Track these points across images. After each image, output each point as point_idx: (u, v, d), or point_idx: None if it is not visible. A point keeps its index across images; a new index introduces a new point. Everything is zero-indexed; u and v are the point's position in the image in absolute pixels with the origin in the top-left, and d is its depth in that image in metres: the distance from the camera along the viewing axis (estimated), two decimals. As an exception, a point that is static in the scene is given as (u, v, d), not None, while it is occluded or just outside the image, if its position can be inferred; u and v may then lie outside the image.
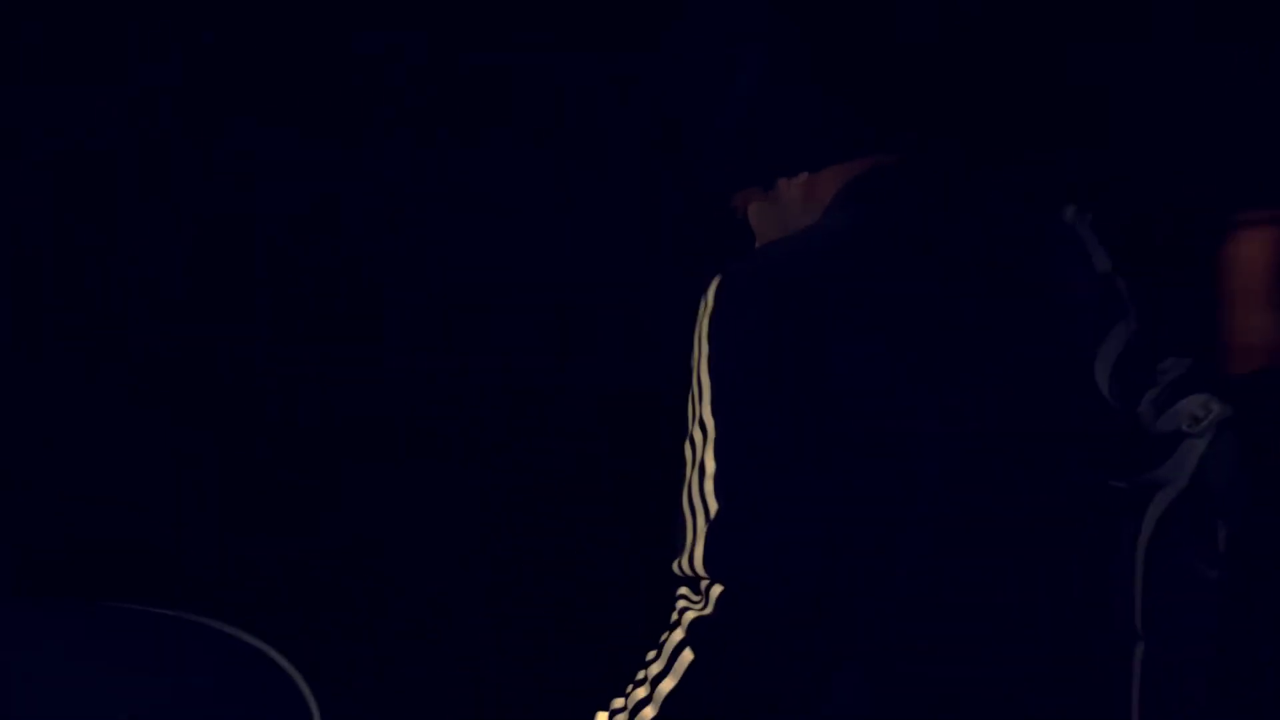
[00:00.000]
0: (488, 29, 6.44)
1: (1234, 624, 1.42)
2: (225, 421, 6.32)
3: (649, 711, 1.46)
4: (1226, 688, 1.42)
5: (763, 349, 1.40)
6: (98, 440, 5.83)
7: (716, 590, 1.39)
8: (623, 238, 6.62)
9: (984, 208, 1.55)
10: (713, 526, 1.39)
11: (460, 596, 5.12)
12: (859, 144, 1.56)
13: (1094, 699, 1.43)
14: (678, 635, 1.43)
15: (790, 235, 1.49)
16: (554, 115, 6.52)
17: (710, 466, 1.40)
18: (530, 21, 6.36)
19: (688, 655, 1.41)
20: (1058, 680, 1.44)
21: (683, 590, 1.44)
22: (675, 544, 1.44)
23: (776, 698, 1.38)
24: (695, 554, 1.40)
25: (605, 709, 1.54)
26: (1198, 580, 1.44)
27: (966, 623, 1.41)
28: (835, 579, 1.39)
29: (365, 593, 5.08)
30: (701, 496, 1.41)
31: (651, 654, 1.48)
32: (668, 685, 1.42)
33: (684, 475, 1.44)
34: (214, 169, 6.20)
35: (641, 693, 1.44)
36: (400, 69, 6.41)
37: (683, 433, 1.63)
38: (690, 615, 1.42)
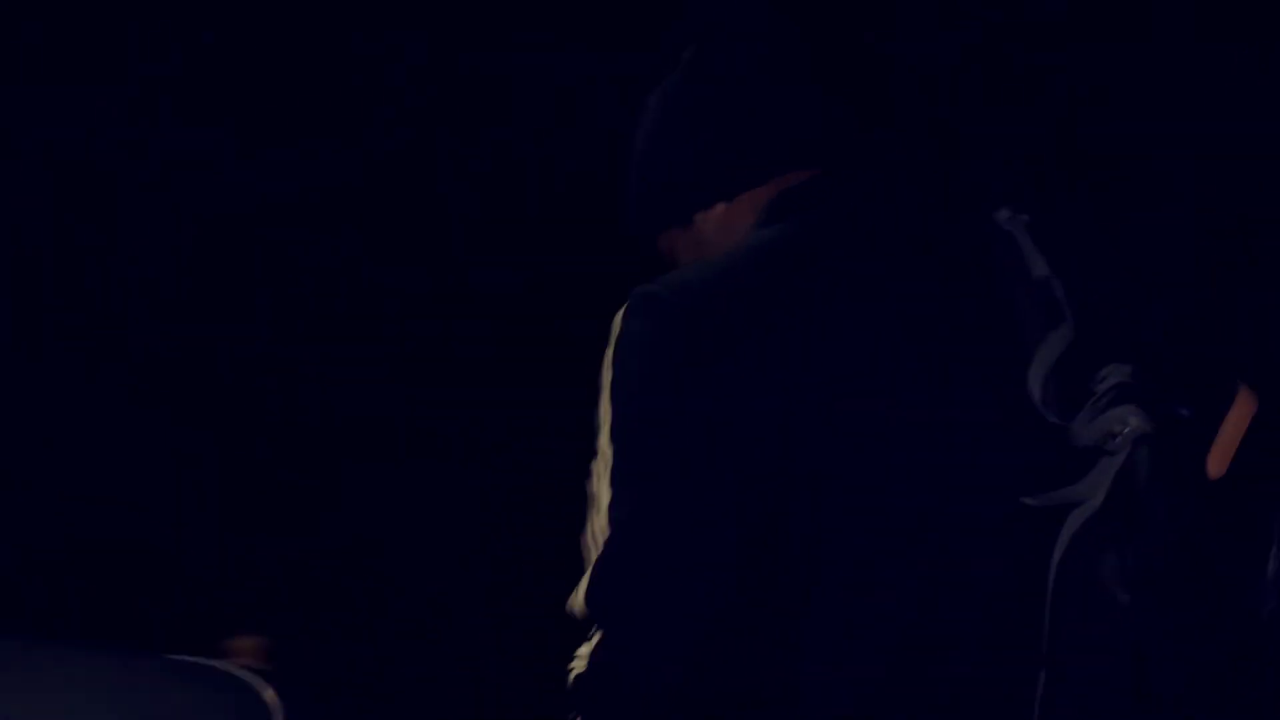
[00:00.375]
0: (488, 29, 6.44)
1: (1147, 649, 1.36)
2: (225, 421, 6.33)
3: None
4: (1139, 713, 1.37)
5: (660, 376, 1.37)
6: (97, 440, 5.83)
7: (595, 638, 1.34)
8: (622, 238, 6.61)
9: (907, 215, 1.49)
10: (600, 559, 1.35)
11: (460, 596, 5.12)
12: (772, 166, 1.54)
13: None
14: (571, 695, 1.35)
15: (690, 266, 1.51)
16: (554, 115, 6.52)
17: (604, 496, 1.37)
18: (530, 22, 6.36)
19: None
20: (965, 704, 1.38)
21: (580, 649, 1.37)
22: (576, 580, 1.38)
23: None
24: (579, 589, 1.35)
25: None
26: (1110, 603, 1.37)
27: (879, 658, 1.33)
28: (731, 624, 1.31)
29: (365, 593, 5.08)
30: (592, 532, 1.37)
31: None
32: None
33: (587, 504, 1.39)
34: (214, 169, 6.20)
35: None
36: (400, 69, 6.41)
37: None
38: (574, 674, 1.34)
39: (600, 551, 1.34)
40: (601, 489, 1.36)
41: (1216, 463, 1.38)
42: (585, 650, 1.33)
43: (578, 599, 1.33)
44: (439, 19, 6.46)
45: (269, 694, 2.23)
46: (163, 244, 6.13)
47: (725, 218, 1.55)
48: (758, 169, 1.53)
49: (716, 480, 1.29)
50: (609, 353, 1.40)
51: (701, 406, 1.31)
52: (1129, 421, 1.38)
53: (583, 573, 1.36)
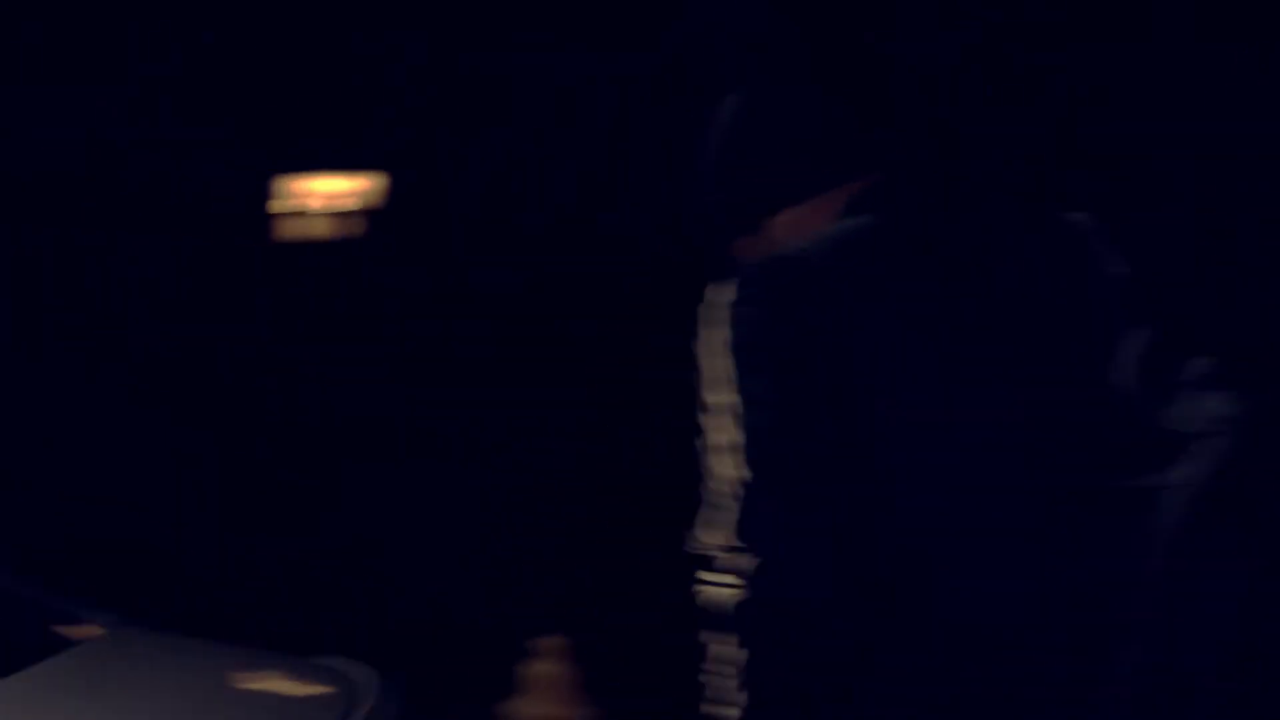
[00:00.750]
0: (487, 29, 6.44)
1: (1256, 622, 1.42)
2: (225, 422, 6.33)
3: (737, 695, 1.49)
4: (1248, 685, 1.41)
5: (783, 328, 1.47)
6: (97, 440, 5.83)
7: (746, 564, 1.44)
8: (621, 237, 6.62)
9: (984, 211, 1.58)
10: (747, 495, 1.45)
11: (460, 596, 5.12)
12: (842, 170, 1.64)
13: (1104, 695, 1.43)
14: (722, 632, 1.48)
15: (783, 248, 1.58)
16: (554, 115, 6.52)
17: (728, 439, 1.46)
18: (530, 22, 6.36)
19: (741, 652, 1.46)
20: (1070, 677, 1.44)
21: (707, 575, 1.51)
22: (699, 519, 1.51)
23: (821, 672, 1.43)
24: (713, 526, 1.47)
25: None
26: (1219, 578, 1.44)
27: (986, 614, 1.43)
28: (862, 562, 1.43)
29: (365, 593, 5.08)
30: (718, 474, 1.47)
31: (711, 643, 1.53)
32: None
33: (702, 456, 1.50)
34: (214, 169, 6.21)
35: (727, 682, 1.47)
36: (400, 69, 6.42)
37: (688, 423, 1.68)
38: (721, 596, 1.47)
39: (742, 488, 1.44)
40: (725, 434, 1.46)
41: None
42: (725, 579, 1.46)
43: (718, 535, 1.45)
44: (439, 19, 6.46)
45: (374, 684, 2.31)
46: (163, 244, 6.13)
47: (793, 222, 1.64)
48: (825, 177, 1.64)
49: (846, 437, 1.43)
50: (722, 311, 1.50)
51: (824, 361, 1.44)
52: (1231, 406, 1.46)
53: (704, 511, 1.49)
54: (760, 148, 1.66)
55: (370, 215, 6.55)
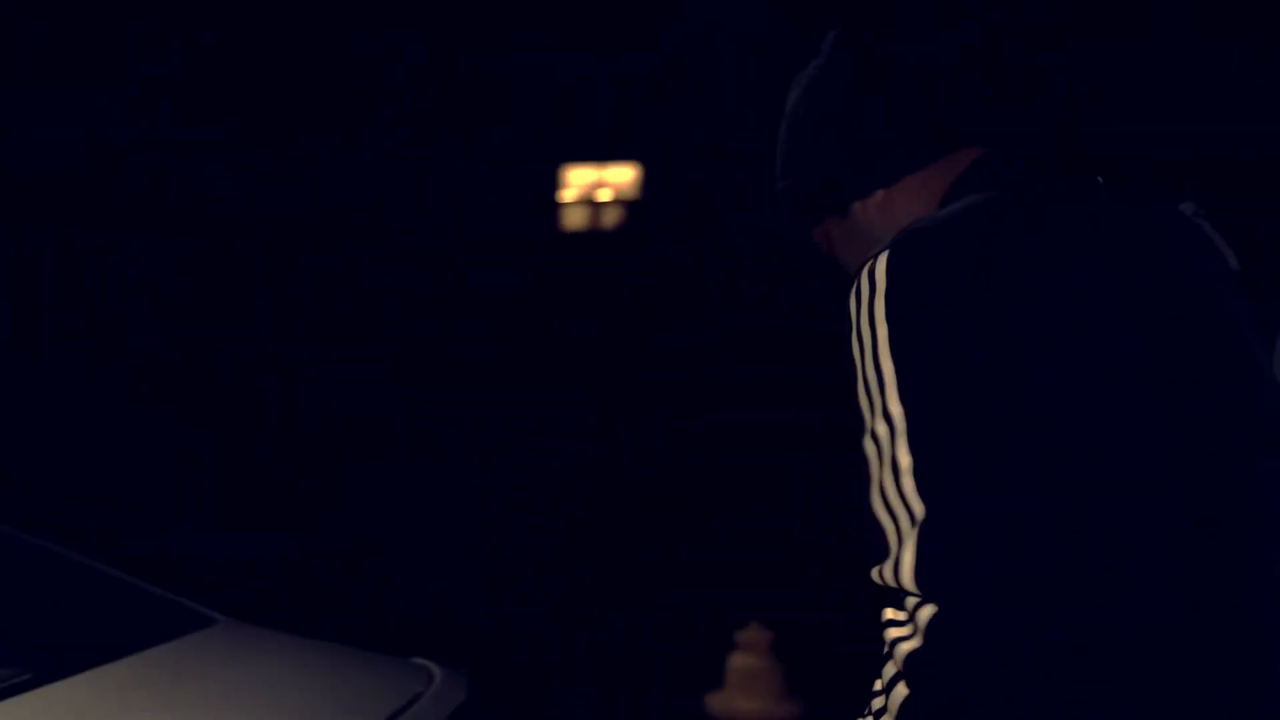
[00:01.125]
0: (488, 29, 6.43)
1: None
2: (225, 422, 6.33)
3: None
4: None
5: (949, 326, 1.27)
6: (98, 440, 5.83)
7: (927, 613, 1.23)
8: (619, 237, 6.61)
9: (1101, 196, 1.43)
10: (923, 532, 1.23)
11: (460, 596, 5.12)
12: (935, 148, 1.47)
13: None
14: (891, 669, 1.26)
15: (928, 216, 1.37)
16: (554, 115, 6.52)
17: (905, 461, 1.25)
18: (530, 22, 6.36)
19: (902, 690, 1.25)
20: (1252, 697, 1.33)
21: (889, 613, 1.28)
22: (872, 551, 1.28)
23: None
24: (903, 564, 1.24)
25: None
26: None
27: (1172, 636, 1.26)
28: (1065, 591, 1.24)
29: (365, 593, 5.08)
30: (901, 497, 1.25)
31: (876, 685, 1.34)
32: None
33: (871, 475, 1.28)
34: (215, 169, 6.21)
35: None
36: (400, 69, 6.42)
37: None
38: (904, 648, 1.24)
39: (921, 524, 1.24)
40: (900, 452, 1.26)
41: None
42: (903, 624, 1.26)
43: (902, 574, 1.24)
44: (439, 19, 6.46)
45: (462, 684, 2.36)
46: (163, 244, 6.13)
47: (885, 202, 1.48)
48: (921, 152, 1.47)
49: (1028, 442, 1.25)
50: (875, 308, 1.30)
51: (995, 357, 1.26)
52: None
53: (872, 539, 1.29)
54: (843, 127, 1.50)
55: (371, 216, 6.55)
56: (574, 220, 6.60)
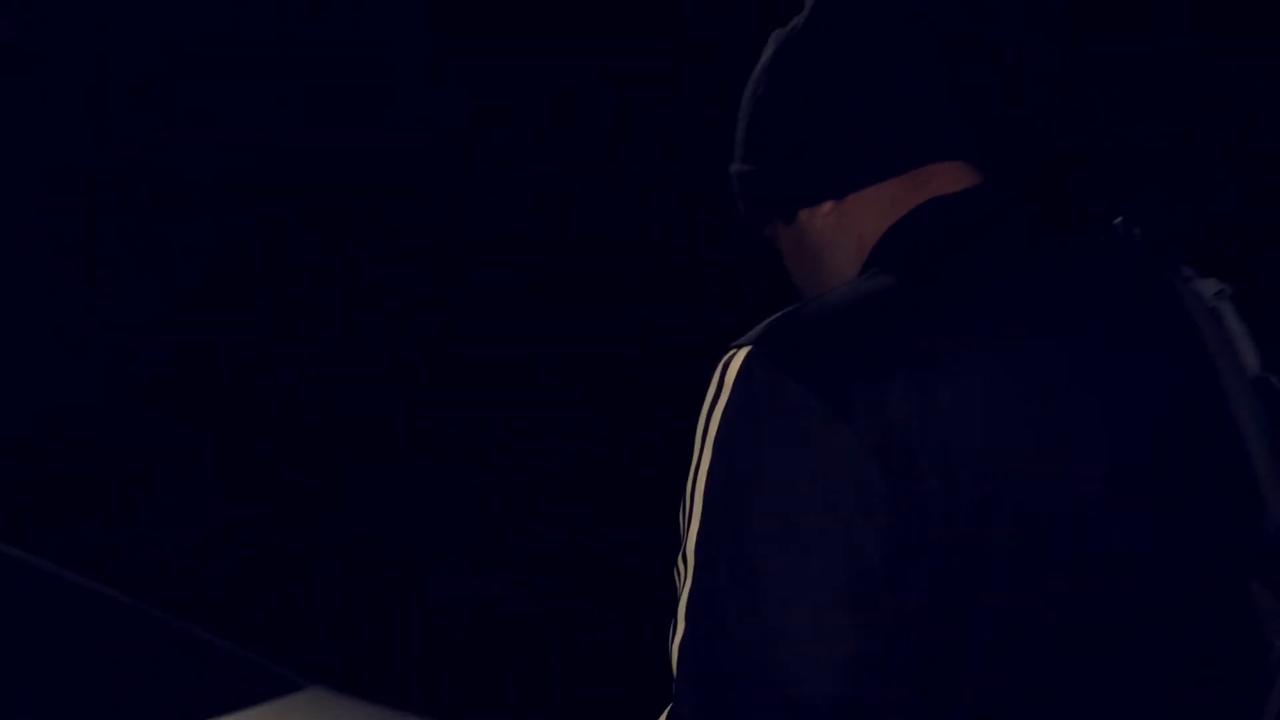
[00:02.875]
0: (488, 28, 6.43)
1: None
2: (225, 421, 6.33)
3: None
4: None
5: (798, 485, 1.01)
6: (99, 439, 5.83)
7: None
8: (621, 237, 6.61)
9: (1062, 251, 1.17)
10: (670, 717, 1.03)
11: (461, 596, 5.12)
12: (892, 158, 1.19)
13: None
14: None
15: (839, 297, 1.10)
16: (554, 115, 6.52)
17: (680, 627, 1.02)
18: (531, 22, 6.36)
19: None
20: None
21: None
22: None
23: None
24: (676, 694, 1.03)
25: None
26: None
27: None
28: None
29: (365, 592, 5.08)
30: (670, 661, 1.04)
31: None
32: None
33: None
34: (215, 169, 6.21)
35: None
36: (400, 71, 6.42)
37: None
38: None
39: (672, 702, 1.02)
40: (679, 612, 1.03)
41: None
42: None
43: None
44: (440, 19, 6.46)
45: None
46: (163, 242, 6.13)
47: (835, 216, 1.20)
48: (876, 165, 1.18)
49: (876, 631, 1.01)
50: (710, 420, 1.04)
51: (864, 533, 0.99)
52: None
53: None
54: (767, 115, 1.23)
55: (371, 216, 6.55)
56: (577, 219, 6.61)
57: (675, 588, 1.05)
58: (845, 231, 1.19)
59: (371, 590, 5.03)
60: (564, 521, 5.63)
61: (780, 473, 1.00)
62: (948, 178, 1.17)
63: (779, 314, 1.08)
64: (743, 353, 1.04)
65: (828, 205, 1.19)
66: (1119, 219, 1.20)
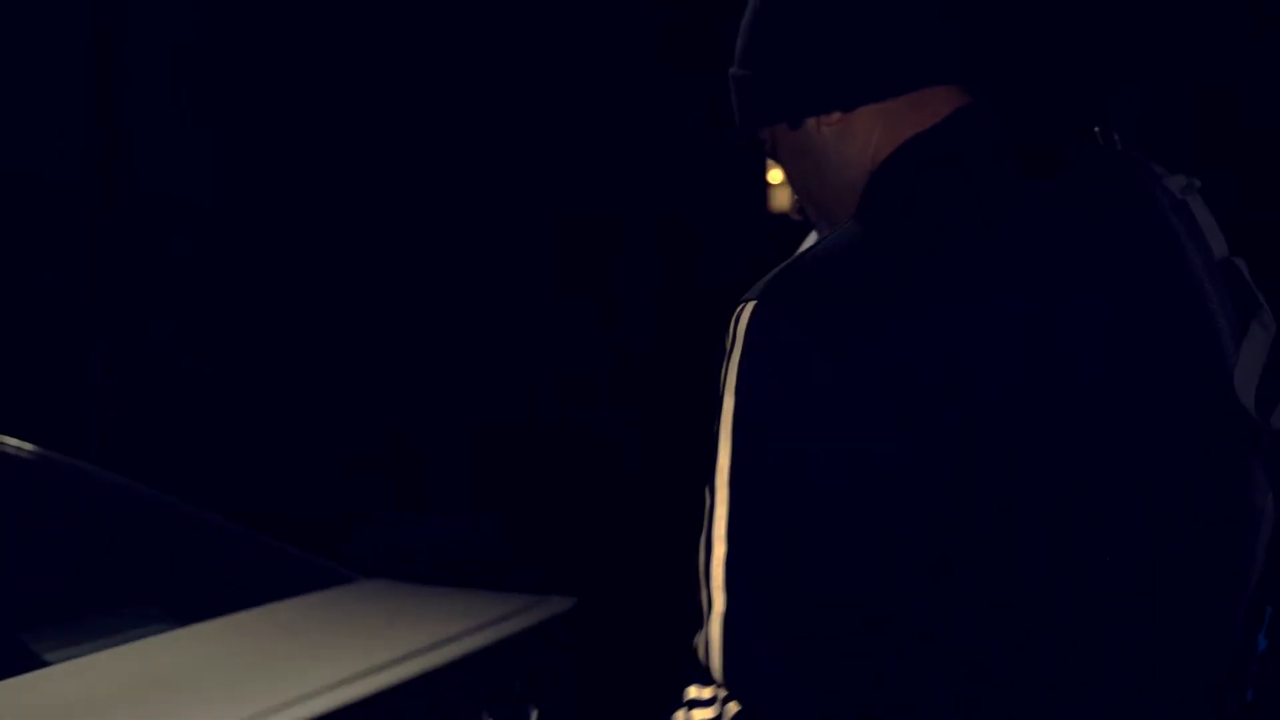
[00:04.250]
0: (489, 28, 6.43)
1: None
2: (227, 420, 6.33)
3: None
4: None
5: (809, 415, 1.11)
6: (100, 439, 5.84)
7: (732, 710, 1.12)
8: (618, 236, 6.62)
9: (1074, 178, 1.24)
10: (727, 625, 1.11)
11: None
12: (904, 77, 1.27)
13: None
14: None
15: (834, 245, 1.19)
16: (555, 115, 6.52)
17: (719, 549, 1.12)
18: (531, 22, 6.35)
19: None
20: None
21: (691, 691, 1.16)
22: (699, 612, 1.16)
23: None
24: (710, 648, 1.13)
25: None
26: None
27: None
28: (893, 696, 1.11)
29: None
30: (707, 579, 1.13)
31: None
32: None
33: (700, 535, 1.16)
34: (214, 169, 6.21)
35: None
36: (399, 68, 6.42)
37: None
38: None
39: (726, 616, 1.11)
40: (715, 535, 1.13)
41: None
42: (707, 704, 1.14)
43: (710, 657, 1.13)
44: (439, 19, 6.46)
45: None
46: (164, 242, 6.14)
47: (841, 127, 1.28)
48: (887, 82, 1.26)
49: (885, 544, 1.12)
50: (729, 370, 1.15)
51: (868, 455, 1.10)
52: None
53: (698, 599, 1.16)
54: (809, 21, 1.28)
55: (374, 216, 6.55)
56: (571, 220, 6.61)
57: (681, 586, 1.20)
58: (849, 141, 1.29)
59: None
60: (566, 519, 5.62)
61: (794, 405, 1.12)
62: (949, 97, 1.27)
63: (780, 267, 1.18)
64: (749, 306, 1.15)
65: (836, 115, 1.29)
66: (1098, 129, 1.30)
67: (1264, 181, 4.61)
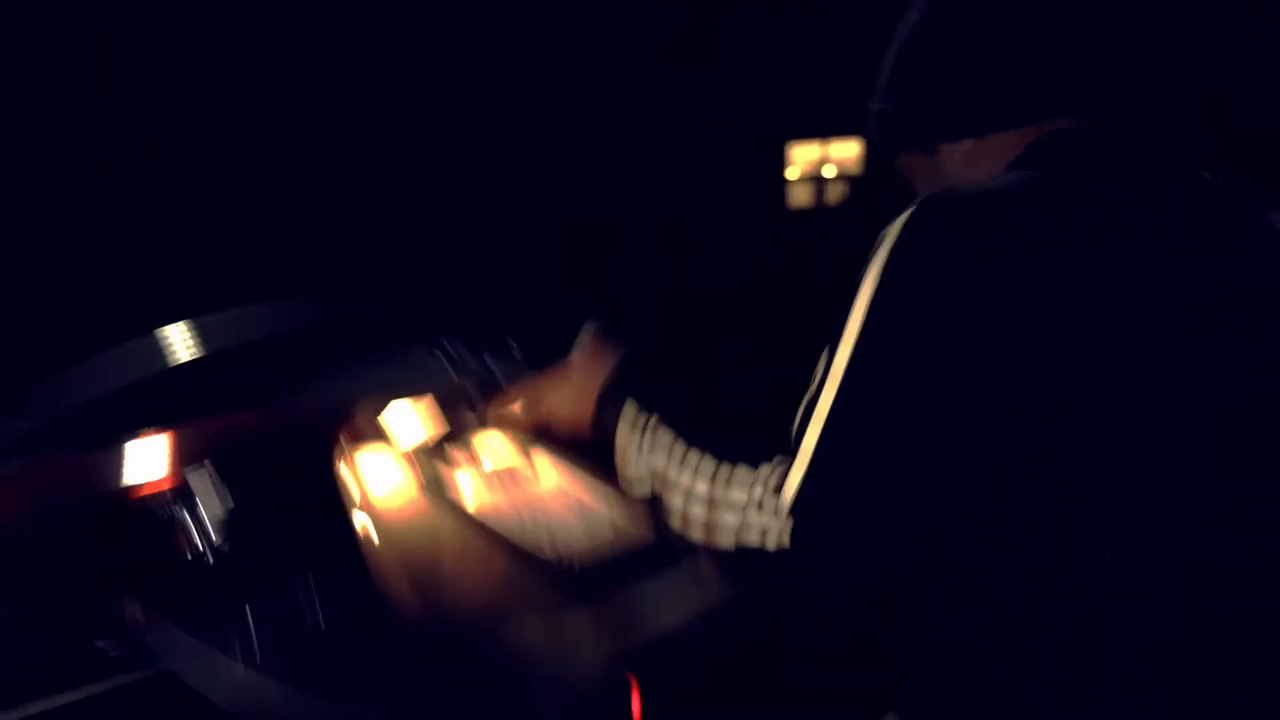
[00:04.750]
0: (489, 28, 6.43)
1: None
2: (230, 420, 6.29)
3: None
4: None
5: (936, 303, 1.23)
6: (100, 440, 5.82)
7: (791, 527, 1.28)
8: (617, 236, 6.61)
9: (1175, 176, 1.38)
10: (810, 470, 1.26)
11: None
12: (1033, 111, 1.41)
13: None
14: (772, 523, 1.29)
15: (976, 186, 1.32)
16: (554, 115, 6.52)
17: (824, 406, 1.26)
18: (532, 22, 6.35)
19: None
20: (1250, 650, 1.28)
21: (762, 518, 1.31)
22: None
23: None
24: (787, 485, 1.27)
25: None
26: None
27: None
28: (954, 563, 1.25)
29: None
30: (801, 432, 1.27)
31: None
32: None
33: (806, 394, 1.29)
34: (215, 168, 6.21)
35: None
36: (400, 68, 6.42)
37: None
38: (768, 531, 1.29)
39: (810, 462, 1.25)
40: (824, 394, 1.26)
41: None
42: (779, 519, 1.28)
43: (785, 493, 1.27)
44: (439, 19, 6.46)
45: None
46: (163, 243, 6.13)
47: (971, 155, 1.44)
48: (1018, 113, 1.42)
49: (982, 419, 1.23)
50: (877, 257, 1.27)
51: (980, 341, 1.22)
52: None
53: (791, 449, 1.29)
54: (939, 59, 1.45)
55: (373, 215, 6.56)
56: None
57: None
58: (978, 164, 1.43)
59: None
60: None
61: (923, 312, 1.23)
62: (1059, 126, 1.41)
63: (935, 192, 1.30)
64: (906, 212, 1.27)
65: (968, 143, 1.44)
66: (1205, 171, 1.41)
67: (1264, 182, 4.60)
